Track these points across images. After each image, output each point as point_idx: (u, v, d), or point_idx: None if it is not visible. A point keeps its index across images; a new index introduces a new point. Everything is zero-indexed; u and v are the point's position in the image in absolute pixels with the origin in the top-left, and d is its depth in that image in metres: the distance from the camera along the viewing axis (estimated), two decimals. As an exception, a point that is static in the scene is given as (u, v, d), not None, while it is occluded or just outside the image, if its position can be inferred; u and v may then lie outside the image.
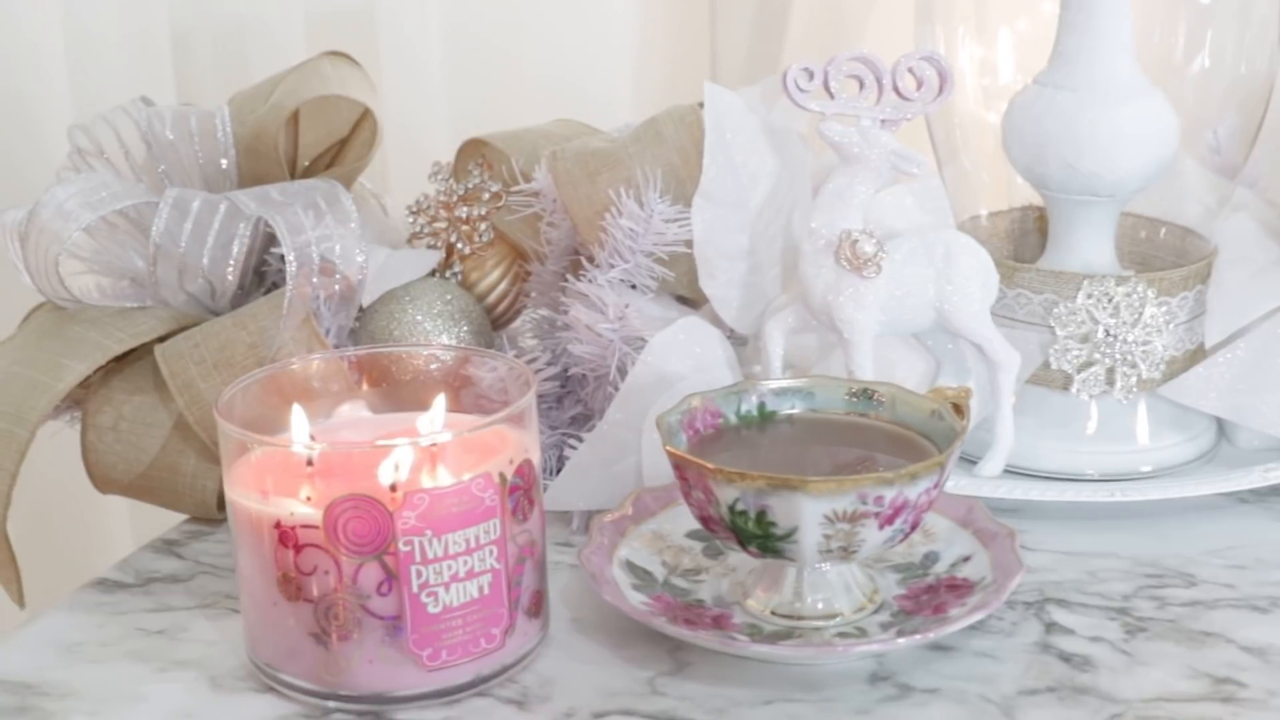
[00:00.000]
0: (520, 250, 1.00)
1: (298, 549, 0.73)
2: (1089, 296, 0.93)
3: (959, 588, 0.82)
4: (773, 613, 0.80)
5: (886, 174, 0.90)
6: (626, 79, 1.39)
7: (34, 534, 1.29)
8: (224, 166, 0.97)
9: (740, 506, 0.76)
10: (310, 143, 1.01)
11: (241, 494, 0.75)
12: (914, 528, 0.78)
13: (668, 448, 0.78)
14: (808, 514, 0.75)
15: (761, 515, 0.76)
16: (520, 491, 0.75)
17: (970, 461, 0.95)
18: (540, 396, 0.97)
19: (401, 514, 0.72)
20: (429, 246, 1.00)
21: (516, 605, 0.76)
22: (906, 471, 0.75)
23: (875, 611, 0.81)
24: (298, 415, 0.77)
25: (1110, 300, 0.93)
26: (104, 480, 0.95)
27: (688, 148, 0.92)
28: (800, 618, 0.80)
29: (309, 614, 0.73)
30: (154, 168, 0.98)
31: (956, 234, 0.92)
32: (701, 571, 0.84)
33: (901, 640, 0.76)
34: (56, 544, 1.28)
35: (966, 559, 0.84)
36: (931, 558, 0.85)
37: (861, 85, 0.90)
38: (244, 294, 0.98)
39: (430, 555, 0.73)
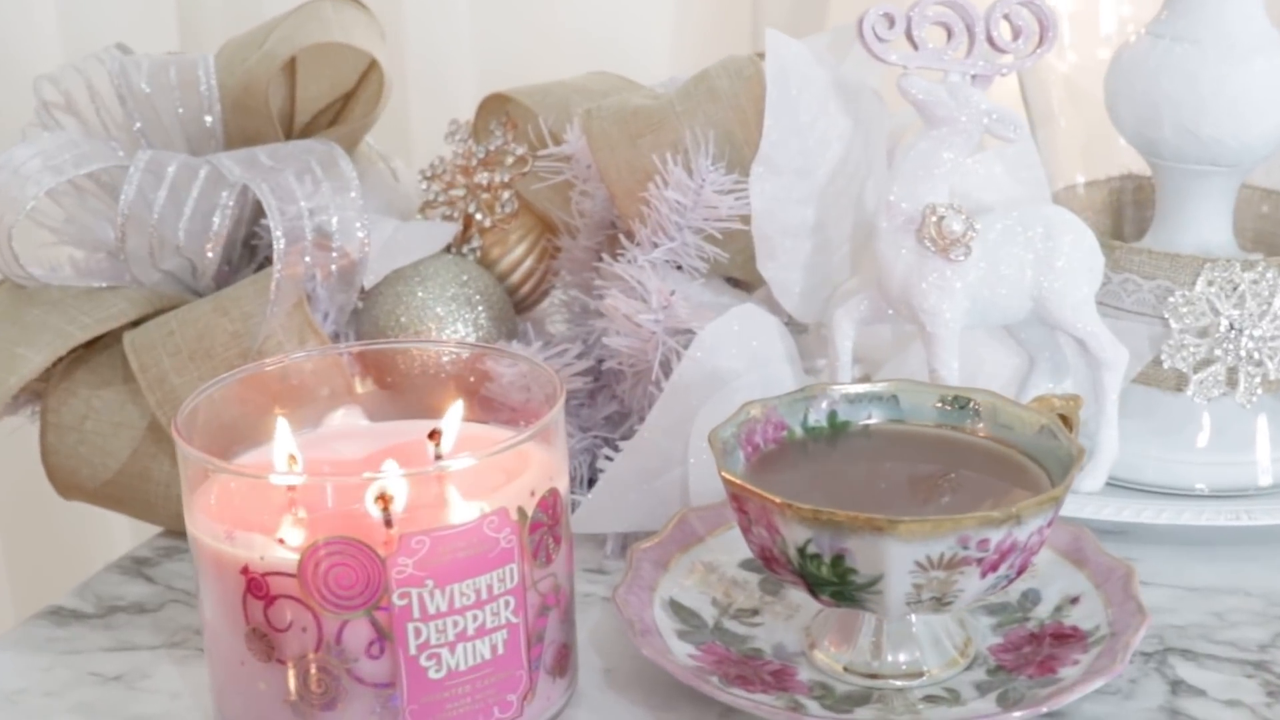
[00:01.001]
0: (548, 223, 0.84)
1: (269, 600, 0.57)
2: (1210, 283, 0.76)
3: (1068, 638, 0.65)
4: (846, 669, 0.64)
5: (978, 138, 0.73)
6: (667, 27, 1.21)
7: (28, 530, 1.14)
8: (208, 124, 0.81)
9: (813, 549, 0.59)
10: (309, 98, 0.84)
11: (204, 530, 0.59)
12: (1020, 573, 0.62)
13: (724, 474, 0.62)
14: (896, 560, 0.59)
15: (839, 560, 0.59)
16: (544, 529, 0.59)
17: (1065, 472, 0.78)
18: (570, 394, 0.81)
19: (396, 560, 0.56)
20: (444, 218, 0.84)
21: (538, 664, 0.60)
22: (1018, 509, 0.58)
23: (968, 668, 0.65)
24: (282, 431, 0.61)
25: (1235, 288, 0.76)
26: (66, 486, 0.79)
27: (745, 107, 0.75)
28: (879, 676, 0.64)
29: (283, 678, 0.57)
30: (129, 125, 0.82)
31: (1058, 210, 0.75)
32: (760, 612, 0.68)
33: (1005, 714, 0.60)
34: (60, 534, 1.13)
35: (1074, 600, 0.67)
36: (1032, 597, 0.68)
37: (950, 34, 0.73)
38: (232, 272, 0.82)
39: (432, 610, 0.56)
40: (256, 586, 0.57)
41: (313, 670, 0.57)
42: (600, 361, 0.79)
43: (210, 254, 0.76)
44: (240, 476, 0.58)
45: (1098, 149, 0.87)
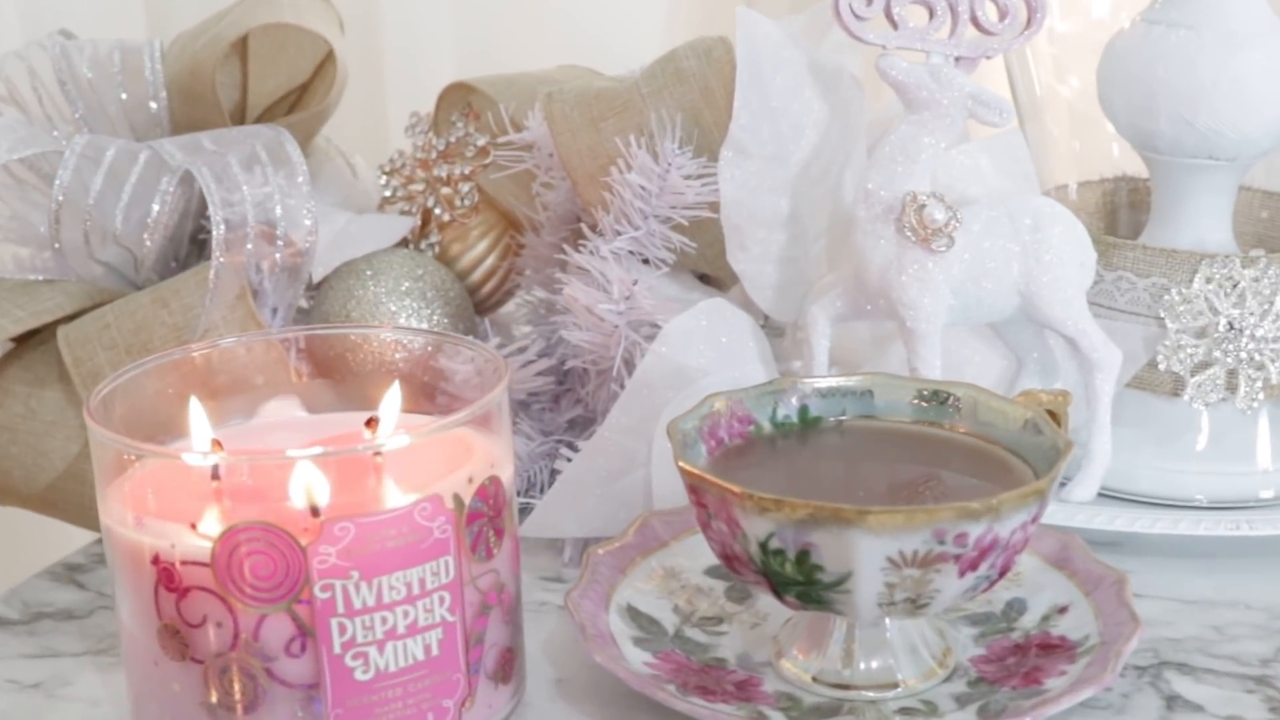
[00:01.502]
0: (512, 219, 0.79)
1: (182, 593, 0.52)
2: (1208, 281, 0.72)
3: (1055, 649, 0.60)
4: (815, 679, 0.59)
5: (961, 123, 0.69)
6: (658, 19, 1.15)
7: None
8: (153, 110, 0.76)
9: (775, 544, 0.54)
10: (263, 90, 0.80)
11: (116, 518, 0.54)
12: (1003, 574, 0.57)
13: (681, 463, 0.57)
14: (866, 556, 0.53)
15: (804, 556, 0.54)
16: (484, 520, 0.54)
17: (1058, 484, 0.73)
18: (532, 396, 0.76)
19: (318, 549, 0.51)
20: (402, 214, 0.79)
21: (477, 669, 0.55)
22: (998, 501, 0.53)
23: (947, 679, 0.59)
24: (196, 413, 0.56)
25: (1235, 286, 0.71)
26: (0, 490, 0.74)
27: (715, 89, 0.70)
28: (850, 687, 0.58)
29: (198, 679, 0.52)
30: (72, 114, 0.78)
31: (1047, 201, 0.70)
32: (724, 620, 0.63)
33: (987, 725, 0.55)
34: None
35: (1062, 610, 0.62)
36: (1017, 607, 0.63)
37: (932, 14, 0.68)
38: (179, 268, 0.77)
39: (358, 605, 0.51)
40: (168, 577, 0.51)
41: (229, 670, 0.52)
42: (563, 362, 0.75)
43: (149, 243, 0.71)
44: (150, 455, 0.53)
45: (1090, 146, 0.82)
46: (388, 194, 0.80)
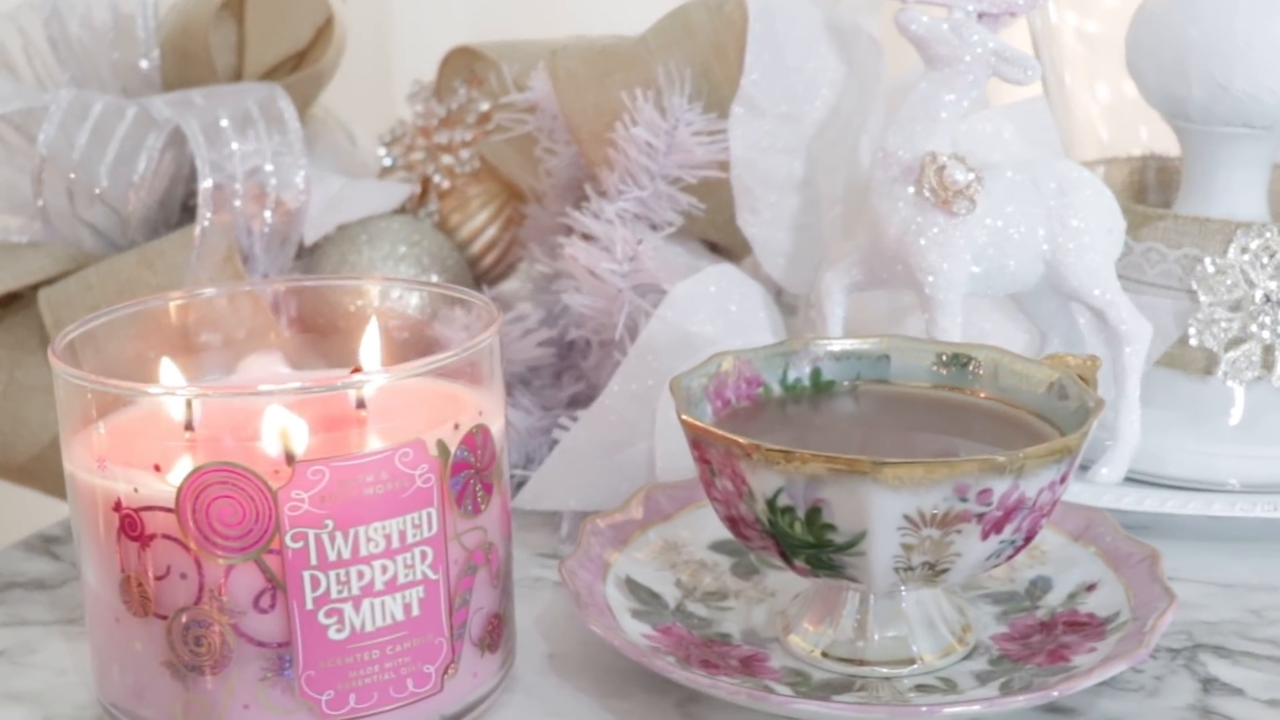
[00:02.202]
0: (515, 189, 0.75)
1: (145, 541, 0.47)
2: (1243, 250, 0.67)
3: (1084, 626, 0.56)
4: (825, 654, 0.54)
5: (984, 81, 0.65)
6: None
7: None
8: (144, 69, 0.73)
9: (784, 501, 0.50)
10: (261, 58, 0.76)
11: (80, 464, 0.50)
12: (1029, 540, 0.52)
13: (684, 416, 0.52)
14: (881, 514, 0.49)
15: (815, 515, 0.50)
16: (470, 471, 0.50)
17: (1081, 466, 0.69)
18: (533, 372, 0.72)
19: (289, 494, 0.46)
20: (403, 182, 0.75)
21: (462, 633, 0.50)
22: (1024, 455, 0.49)
23: (967, 656, 0.55)
24: (167, 370, 0.52)
25: (1272, 255, 0.67)
26: (-24, 459, 0.70)
27: (727, 45, 0.67)
28: (863, 662, 0.54)
29: (160, 636, 0.48)
30: (62, 75, 0.74)
31: (1073, 165, 0.66)
32: (729, 596, 0.59)
33: (1009, 699, 0.50)
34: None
35: (1090, 588, 0.58)
36: (1041, 585, 0.59)
37: (954, -32, 0.65)
38: (169, 232, 0.73)
39: (332, 557, 0.47)
40: (130, 525, 0.47)
41: (194, 627, 0.47)
42: (564, 334, 0.71)
43: (134, 201, 0.68)
44: (115, 392, 0.48)
45: (1119, 119, 0.78)
46: (387, 163, 0.76)
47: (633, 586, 0.58)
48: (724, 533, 0.61)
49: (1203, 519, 0.65)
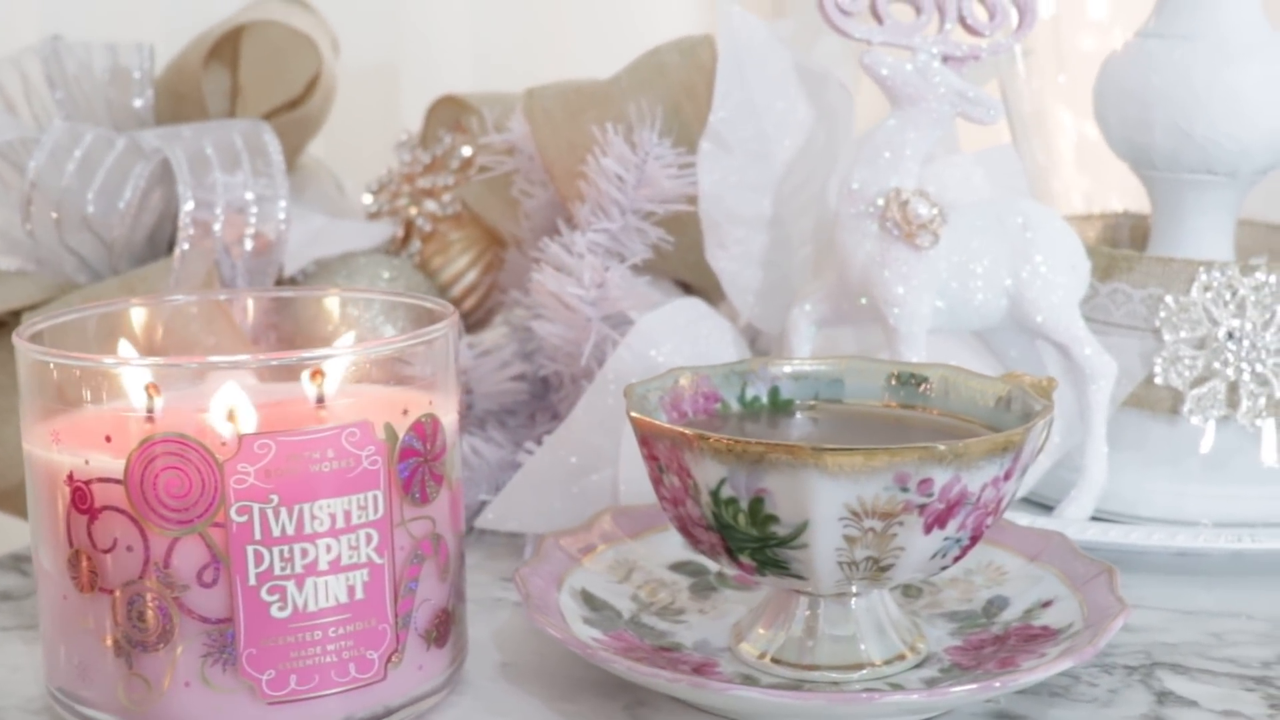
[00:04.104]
0: (495, 236, 0.76)
1: (94, 514, 0.48)
2: (1206, 289, 0.68)
3: (1036, 637, 0.55)
4: (774, 659, 0.54)
5: (949, 121, 0.66)
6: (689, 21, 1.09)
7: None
8: (137, 107, 0.74)
9: (727, 492, 0.50)
10: (254, 104, 0.78)
11: (37, 441, 0.50)
12: (975, 539, 0.52)
13: (632, 414, 0.53)
14: (823, 503, 0.49)
15: (758, 505, 0.50)
16: (419, 459, 0.50)
17: (1048, 506, 0.69)
18: (507, 411, 0.72)
19: (235, 466, 0.47)
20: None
21: (406, 622, 0.50)
22: (964, 446, 0.49)
23: (918, 665, 0.54)
24: (124, 349, 0.53)
25: (1234, 294, 0.68)
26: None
27: (697, 86, 0.68)
28: (813, 667, 0.54)
29: (105, 611, 0.48)
30: (58, 114, 0.76)
31: (1037, 204, 0.67)
32: (685, 612, 0.59)
33: (952, 691, 0.50)
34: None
35: (1046, 604, 0.57)
36: (998, 603, 0.58)
37: (918, 11, 0.66)
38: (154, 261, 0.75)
39: (276, 532, 0.47)
40: (81, 498, 0.48)
41: (137, 600, 0.48)
42: (538, 371, 0.71)
43: (119, 229, 0.69)
44: (72, 365, 0.49)
45: (1088, 175, 0.79)
46: (373, 210, 0.77)
47: (587, 597, 0.57)
48: (684, 554, 0.61)
49: (1170, 555, 0.65)
